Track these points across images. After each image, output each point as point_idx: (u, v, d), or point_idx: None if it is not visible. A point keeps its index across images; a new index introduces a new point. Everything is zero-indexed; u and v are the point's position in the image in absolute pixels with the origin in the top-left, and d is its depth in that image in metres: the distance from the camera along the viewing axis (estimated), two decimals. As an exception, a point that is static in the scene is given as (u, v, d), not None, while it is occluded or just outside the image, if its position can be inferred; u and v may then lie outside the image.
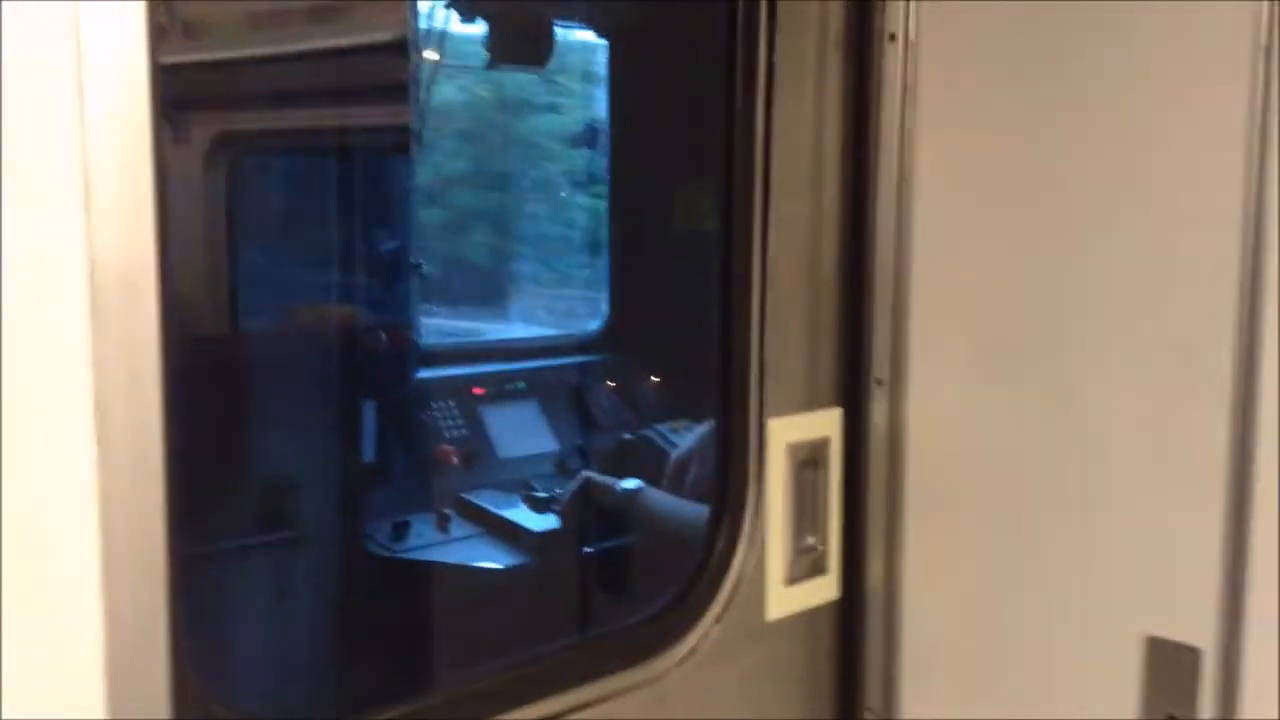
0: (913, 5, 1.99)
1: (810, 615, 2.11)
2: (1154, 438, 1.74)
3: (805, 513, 2.06)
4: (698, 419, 3.20)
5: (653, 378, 3.97)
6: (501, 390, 3.84)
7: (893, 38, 2.00)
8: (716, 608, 1.99)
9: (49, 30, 1.14)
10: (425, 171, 3.89)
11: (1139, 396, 1.76)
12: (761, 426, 2.01)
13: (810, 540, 2.08)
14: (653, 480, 3.17)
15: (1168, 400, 1.73)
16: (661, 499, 3.13)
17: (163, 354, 1.26)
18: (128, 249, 1.22)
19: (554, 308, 5.09)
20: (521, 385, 3.89)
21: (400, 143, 3.56)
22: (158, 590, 1.28)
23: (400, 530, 3.27)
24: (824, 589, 2.11)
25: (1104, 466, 1.81)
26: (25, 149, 1.13)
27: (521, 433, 3.79)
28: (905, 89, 2.00)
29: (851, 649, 2.12)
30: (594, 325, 4.33)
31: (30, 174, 1.13)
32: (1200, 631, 1.70)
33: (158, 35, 1.24)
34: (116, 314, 1.21)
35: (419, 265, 3.66)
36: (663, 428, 3.52)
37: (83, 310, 1.18)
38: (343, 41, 3.35)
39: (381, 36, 3.40)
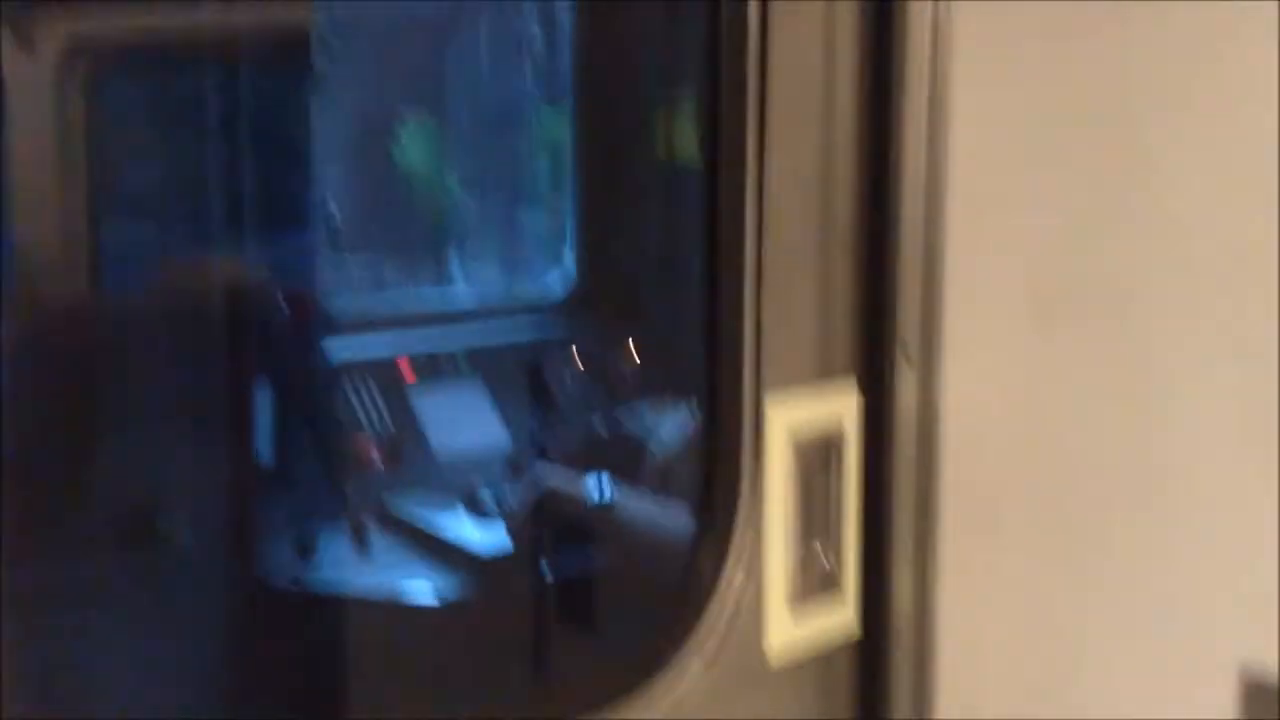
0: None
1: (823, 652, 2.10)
2: (1247, 418, 1.73)
3: (814, 519, 2.05)
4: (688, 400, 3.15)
5: (632, 351, 3.93)
6: (438, 369, 3.82)
7: None
8: (704, 647, 1.98)
9: None
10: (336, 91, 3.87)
11: (1228, 367, 1.75)
12: (758, 407, 2.00)
13: (818, 546, 2.07)
14: (633, 481, 3.15)
15: (1264, 371, 1.70)
16: (642, 507, 3.10)
17: None
18: None
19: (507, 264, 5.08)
20: (463, 362, 3.86)
21: (301, 54, 3.53)
22: None
23: (305, 551, 3.25)
24: (840, 620, 2.10)
25: (1187, 455, 1.80)
26: None
27: (463, 422, 3.76)
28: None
29: (875, 693, 2.11)
30: (557, 289, 4.30)
31: None
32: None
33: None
34: None
35: (330, 212, 3.62)
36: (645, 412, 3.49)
37: None
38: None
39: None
